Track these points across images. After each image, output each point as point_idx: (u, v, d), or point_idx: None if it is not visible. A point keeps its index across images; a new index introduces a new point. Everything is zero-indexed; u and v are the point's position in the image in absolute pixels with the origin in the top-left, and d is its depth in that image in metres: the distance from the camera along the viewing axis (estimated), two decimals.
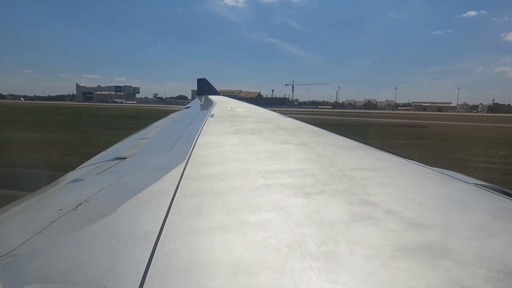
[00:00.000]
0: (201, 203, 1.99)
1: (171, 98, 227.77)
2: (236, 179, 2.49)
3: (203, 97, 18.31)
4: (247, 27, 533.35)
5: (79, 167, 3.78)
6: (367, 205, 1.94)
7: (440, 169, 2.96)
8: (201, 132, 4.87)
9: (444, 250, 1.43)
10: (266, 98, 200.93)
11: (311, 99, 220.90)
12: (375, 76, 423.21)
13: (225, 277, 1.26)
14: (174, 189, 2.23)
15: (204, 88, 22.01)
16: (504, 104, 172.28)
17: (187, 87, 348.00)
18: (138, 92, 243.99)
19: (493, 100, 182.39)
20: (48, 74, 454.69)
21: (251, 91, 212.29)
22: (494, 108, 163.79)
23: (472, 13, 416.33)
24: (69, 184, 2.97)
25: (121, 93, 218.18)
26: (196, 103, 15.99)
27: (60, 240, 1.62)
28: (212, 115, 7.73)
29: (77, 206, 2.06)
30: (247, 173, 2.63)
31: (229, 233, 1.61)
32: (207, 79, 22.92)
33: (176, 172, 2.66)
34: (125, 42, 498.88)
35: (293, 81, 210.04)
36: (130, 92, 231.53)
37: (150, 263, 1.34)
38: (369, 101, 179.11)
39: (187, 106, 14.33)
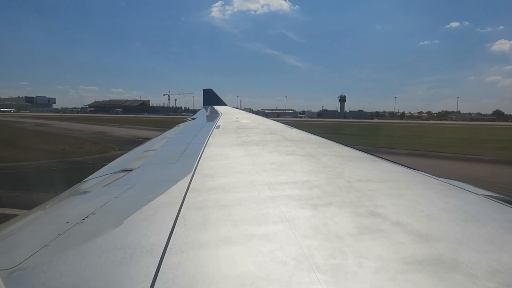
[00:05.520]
0: (207, 216, 2.00)
1: (83, 107, 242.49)
2: (242, 191, 2.49)
3: (209, 108, 18.39)
4: (235, 37, 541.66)
5: (86, 179, 3.82)
6: (375, 217, 1.93)
7: (448, 180, 2.95)
8: (207, 144, 4.93)
9: (454, 263, 1.41)
10: (150, 106, 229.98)
11: (189, 107, 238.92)
12: (372, 86, 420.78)
13: None
14: (181, 202, 2.24)
15: (210, 98, 22.13)
16: (332, 111, 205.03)
17: (185, 98, 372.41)
18: (54, 103, 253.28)
19: (322, 107, 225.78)
20: (45, 86, 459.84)
21: (139, 99, 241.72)
22: (322, 114, 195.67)
23: (455, 24, 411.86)
24: (76, 196, 3.02)
25: (22, 104, 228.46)
26: (202, 114, 16.06)
27: (67, 253, 1.63)
28: (218, 127, 7.82)
29: (83, 219, 2.07)
30: (253, 185, 2.63)
31: (235, 246, 1.60)
32: (213, 90, 22.96)
33: (182, 184, 2.68)
34: (121, 55, 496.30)
35: (169, 91, 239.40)
36: (45, 103, 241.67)
37: (157, 276, 1.34)
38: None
39: (193, 117, 14.32)
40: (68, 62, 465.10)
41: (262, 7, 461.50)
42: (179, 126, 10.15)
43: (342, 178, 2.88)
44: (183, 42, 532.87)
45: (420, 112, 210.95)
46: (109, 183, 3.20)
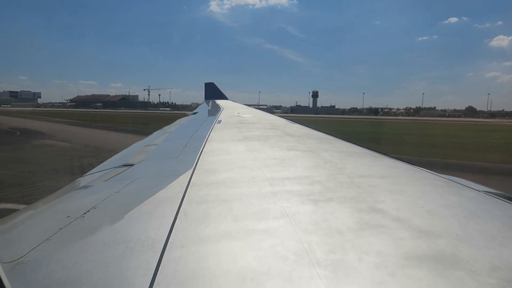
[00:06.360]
0: (208, 210, 2.00)
1: (64, 102, 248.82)
2: (243, 186, 2.49)
3: (210, 102, 18.29)
4: (233, 31, 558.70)
5: (87, 174, 3.84)
6: (376, 212, 1.93)
7: (449, 176, 2.95)
8: (208, 139, 4.92)
9: (455, 259, 1.41)
10: (130, 102, 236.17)
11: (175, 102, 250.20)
12: (369, 82, 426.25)
13: (232, 285, 1.25)
14: (181, 196, 2.24)
15: (212, 92, 21.86)
16: (305, 106, 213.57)
17: (185, 93, 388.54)
18: (39, 97, 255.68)
19: (296, 102, 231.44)
20: (44, 80, 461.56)
21: (127, 93, 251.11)
22: (295, 109, 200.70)
23: (453, 19, 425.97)
24: (77, 191, 3.03)
25: (6, 98, 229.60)
26: (203, 108, 15.99)
27: (68, 247, 1.64)
28: (219, 121, 7.83)
29: (85, 213, 2.07)
30: (254, 180, 2.64)
31: (236, 241, 1.60)
32: (215, 83, 22.61)
33: (183, 179, 2.69)
34: (121, 50, 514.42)
35: (149, 86, 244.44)
36: (29, 97, 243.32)
37: (157, 270, 1.35)
38: (197, 104, 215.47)
39: (194, 111, 14.34)
40: (68, 57, 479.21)
41: (260, 1, 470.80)
42: (182, 120, 10.24)
43: (343, 173, 2.88)
44: (181, 37, 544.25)
45: (398, 109, 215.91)
46: (110, 178, 3.20)
